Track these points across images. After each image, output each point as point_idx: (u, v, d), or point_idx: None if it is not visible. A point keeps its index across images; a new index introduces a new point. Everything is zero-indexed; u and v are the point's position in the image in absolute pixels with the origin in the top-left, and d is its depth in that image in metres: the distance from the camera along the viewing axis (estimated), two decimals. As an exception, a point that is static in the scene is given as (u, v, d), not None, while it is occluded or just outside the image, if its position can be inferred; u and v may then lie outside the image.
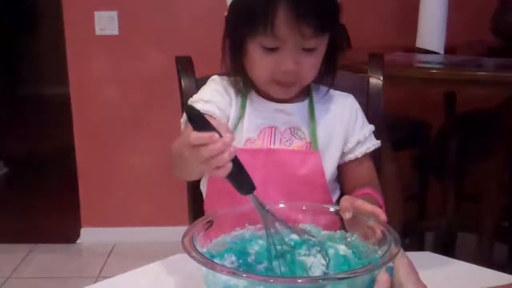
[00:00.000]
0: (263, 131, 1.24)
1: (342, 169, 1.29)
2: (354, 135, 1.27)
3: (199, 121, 0.88)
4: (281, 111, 1.24)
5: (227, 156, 0.87)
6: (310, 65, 1.18)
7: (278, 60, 1.15)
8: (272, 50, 1.15)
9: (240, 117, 1.23)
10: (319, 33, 1.13)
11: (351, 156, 1.28)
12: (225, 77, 1.28)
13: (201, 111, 0.91)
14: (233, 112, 1.25)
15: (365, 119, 1.31)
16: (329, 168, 1.25)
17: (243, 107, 1.24)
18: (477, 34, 2.71)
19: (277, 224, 0.91)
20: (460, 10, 2.67)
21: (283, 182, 1.20)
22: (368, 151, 1.29)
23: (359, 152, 1.28)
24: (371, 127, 1.31)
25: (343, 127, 1.27)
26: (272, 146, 1.23)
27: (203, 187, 1.32)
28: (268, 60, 1.16)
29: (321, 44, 1.17)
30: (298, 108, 1.26)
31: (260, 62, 1.17)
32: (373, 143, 1.30)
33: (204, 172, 1.04)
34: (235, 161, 0.88)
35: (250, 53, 1.17)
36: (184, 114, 1.23)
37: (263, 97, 1.25)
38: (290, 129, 1.25)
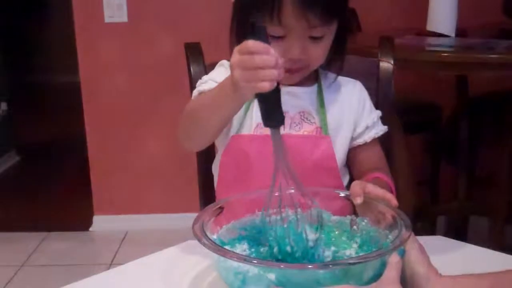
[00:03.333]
0: None
1: (351, 153, 1.29)
2: (362, 120, 1.27)
3: (261, 33, 0.88)
4: (290, 94, 1.23)
5: (276, 72, 0.87)
6: (318, 53, 1.18)
7: (285, 48, 1.14)
8: (279, 38, 1.14)
9: (249, 102, 1.22)
10: (326, 22, 1.13)
11: (360, 141, 1.28)
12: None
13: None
14: None
15: (372, 105, 1.31)
16: (339, 153, 1.25)
17: None
18: (489, 16, 2.68)
19: (287, 171, 0.90)
20: (471, -9, 2.65)
21: (295, 167, 1.19)
22: (377, 136, 1.29)
23: (368, 136, 1.28)
24: (378, 113, 1.31)
25: (352, 113, 1.27)
26: (282, 132, 1.22)
27: (215, 169, 1.31)
28: (276, 48, 1.15)
29: (328, 32, 1.17)
30: (307, 92, 1.26)
31: None
32: (382, 128, 1.30)
33: (243, 95, 0.98)
34: (277, 87, 0.88)
35: None
36: (196, 90, 1.23)
37: None
38: (300, 113, 1.24)
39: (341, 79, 1.30)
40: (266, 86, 0.87)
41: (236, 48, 0.92)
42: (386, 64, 1.42)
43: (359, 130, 1.27)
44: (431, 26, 2.34)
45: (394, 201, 0.93)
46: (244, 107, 1.23)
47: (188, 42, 1.47)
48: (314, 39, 1.15)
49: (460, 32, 2.32)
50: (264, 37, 0.88)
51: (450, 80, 2.64)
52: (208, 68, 1.40)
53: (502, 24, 2.52)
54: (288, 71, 1.18)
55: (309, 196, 0.93)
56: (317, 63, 1.21)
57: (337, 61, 1.25)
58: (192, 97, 1.25)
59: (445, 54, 2.04)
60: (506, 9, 2.46)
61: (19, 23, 6.77)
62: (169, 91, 3.05)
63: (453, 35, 2.29)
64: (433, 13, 2.33)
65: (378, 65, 1.42)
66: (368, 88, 1.32)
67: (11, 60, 4.98)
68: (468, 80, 2.58)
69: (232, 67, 0.94)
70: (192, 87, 1.41)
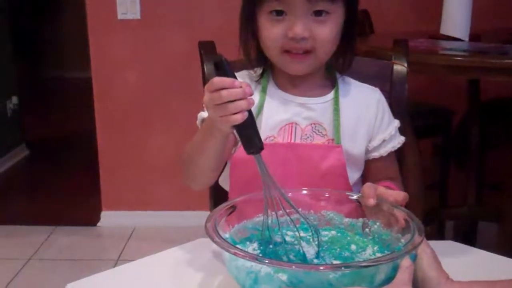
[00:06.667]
0: (284, 128, 1.21)
1: (365, 165, 1.26)
2: (380, 133, 1.24)
3: (224, 68, 0.93)
4: (303, 106, 1.21)
5: (245, 103, 0.91)
6: (323, 34, 1.14)
7: (287, 26, 1.13)
8: (281, 16, 1.13)
9: (258, 114, 1.20)
10: None
11: (375, 155, 1.25)
12: (244, 71, 1.27)
13: None
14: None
15: (391, 115, 1.28)
16: (355, 164, 1.23)
17: (261, 104, 1.21)
18: (502, 21, 2.67)
19: (277, 194, 0.92)
20: (486, -4, 2.64)
21: (304, 177, 1.17)
22: (393, 149, 1.26)
23: (384, 151, 1.25)
24: (397, 124, 1.27)
25: (368, 123, 1.24)
26: (293, 141, 1.21)
27: (224, 183, 1.29)
28: (278, 27, 1.14)
29: (333, 12, 1.14)
30: (322, 103, 1.22)
31: (270, 31, 1.15)
32: (398, 141, 1.27)
33: (222, 131, 1.02)
34: (250, 116, 0.92)
35: (261, 24, 1.16)
36: (200, 114, 1.23)
37: (284, 91, 1.23)
38: (311, 125, 1.22)
39: (360, 86, 1.28)
40: (238, 118, 0.91)
41: (206, 86, 0.96)
42: (400, 67, 1.41)
43: (375, 143, 1.24)
44: (444, 30, 2.33)
45: (401, 198, 0.96)
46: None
47: (202, 41, 1.48)
48: (318, 16, 1.13)
49: (474, 36, 2.31)
50: (228, 70, 0.93)
51: (462, 84, 2.63)
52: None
53: (515, 29, 2.51)
54: (294, 56, 1.16)
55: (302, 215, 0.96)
56: (324, 47, 1.16)
57: (346, 57, 1.23)
58: (197, 122, 1.25)
59: (458, 58, 2.03)
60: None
61: (32, 19, 6.80)
62: (180, 89, 3.05)
63: (466, 39, 2.28)
64: (447, 17, 2.32)
65: (391, 68, 1.42)
66: (381, 90, 1.31)
67: (23, 55, 5.02)
68: (480, 85, 2.57)
69: (205, 106, 0.99)
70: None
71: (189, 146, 1.16)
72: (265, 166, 0.92)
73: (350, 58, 1.23)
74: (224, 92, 0.91)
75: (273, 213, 0.92)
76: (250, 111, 0.92)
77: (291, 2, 1.11)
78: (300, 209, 0.95)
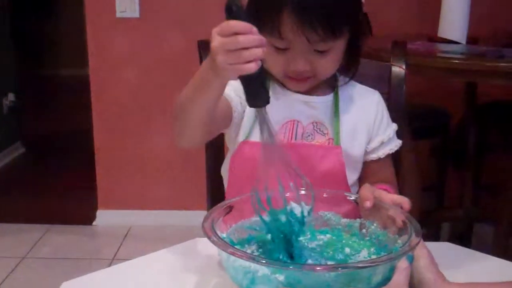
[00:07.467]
0: (285, 125, 1.22)
1: (363, 166, 1.27)
2: (378, 135, 1.25)
3: (239, 12, 0.86)
4: (306, 104, 1.22)
5: (260, 51, 0.85)
6: (325, 66, 1.16)
7: (289, 59, 1.14)
8: (283, 49, 1.13)
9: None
10: (328, 39, 1.10)
11: (373, 156, 1.26)
12: None
13: None
14: None
15: (389, 118, 1.28)
16: (353, 164, 1.23)
17: None
18: (499, 25, 2.68)
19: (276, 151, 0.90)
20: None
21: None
22: (391, 152, 1.27)
23: (382, 153, 1.26)
24: (395, 127, 1.28)
25: (367, 124, 1.24)
26: (293, 141, 1.21)
27: (224, 172, 1.31)
28: (280, 58, 1.15)
29: (335, 46, 1.14)
30: (323, 102, 1.23)
31: (272, 60, 1.15)
32: (396, 144, 1.28)
33: (226, 79, 0.97)
34: (261, 68, 0.86)
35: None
36: None
37: (287, 89, 1.23)
38: (313, 123, 1.22)
39: (360, 88, 1.28)
40: (252, 67, 0.85)
41: (216, 30, 0.88)
42: (398, 69, 1.42)
43: (373, 145, 1.25)
44: (442, 33, 2.33)
45: (406, 205, 0.93)
46: (253, 116, 1.21)
47: (201, 40, 1.47)
48: (320, 52, 1.13)
49: (471, 39, 2.32)
50: (244, 16, 0.85)
51: (460, 86, 2.63)
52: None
53: (513, 33, 2.52)
54: (295, 80, 1.18)
55: (300, 176, 0.92)
56: (325, 74, 1.19)
57: (350, 67, 1.23)
58: None
59: (456, 61, 2.04)
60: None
61: (31, 16, 6.79)
62: (178, 88, 2.99)
63: (464, 42, 2.29)
64: (444, 20, 2.33)
65: (390, 70, 1.42)
66: (379, 92, 1.31)
67: (21, 52, 5.01)
68: (477, 88, 2.57)
69: (214, 52, 0.89)
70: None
71: (182, 96, 1.11)
72: (269, 121, 0.88)
73: (355, 68, 1.24)
74: (241, 38, 0.84)
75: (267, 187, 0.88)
76: (261, 65, 0.86)
77: (293, 41, 1.11)
78: (297, 168, 0.92)
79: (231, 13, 0.85)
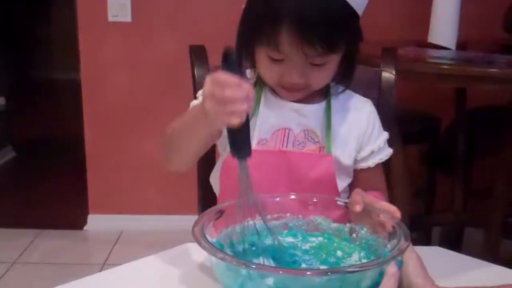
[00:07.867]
0: (276, 133, 1.21)
1: (352, 175, 1.27)
2: (369, 144, 1.25)
3: (233, 63, 0.87)
4: (296, 112, 1.22)
5: (246, 106, 0.87)
6: (320, 78, 1.16)
7: (284, 71, 1.14)
8: (279, 60, 1.13)
9: (252, 117, 1.19)
10: (325, 54, 1.10)
11: (363, 165, 1.26)
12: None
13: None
14: None
15: (380, 127, 1.28)
16: (343, 173, 1.24)
17: (257, 105, 1.21)
18: (489, 31, 2.70)
19: (252, 202, 0.91)
20: (473, 6, 2.66)
21: (294, 184, 1.17)
22: (381, 161, 1.27)
23: (372, 162, 1.26)
24: (386, 136, 1.28)
25: (358, 133, 1.24)
26: (284, 149, 1.21)
27: (214, 181, 1.30)
28: (275, 69, 1.14)
29: (332, 59, 1.14)
30: (315, 110, 1.23)
31: (267, 70, 1.16)
32: (386, 153, 1.28)
33: (214, 125, 0.99)
34: (246, 120, 0.88)
35: (258, 58, 1.16)
36: (192, 103, 1.22)
37: (279, 97, 1.23)
38: (304, 131, 1.22)
39: (352, 96, 1.28)
40: (235, 122, 0.87)
41: (209, 78, 0.92)
42: (388, 75, 1.43)
43: (363, 154, 1.25)
44: (432, 38, 2.35)
45: (398, 214, 0.93)
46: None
47: (193, 45, 1.47)
48: (316, 65, 1.13)
49: (461, 45, 2.33)
50: (237, 68, 0.88)
51: (449, 92, 2.65)
52: (212, 71, 1.40)
53: (502, 39, 2.53)
54: (288, 90, 1.18)
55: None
56: (319, 85, 1.19)
57: (345, 77, 1.23)
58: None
59: (445, 67, 2.05)
60: (506, 26, 2.47)
61: (23, 19, 6.78)
62: (169, 92, 3.05)
63: (453, 48, 2.31)
64: (434, 26, 2.35)
65: (380, 75, 1.43)
66: (369, 97, 1.31)
67: (12, 56, 4.99)
68: (467, 93, 2.59)
69: (204, 96, 0.93)
70: (196, 90, 1.41)
71: (175, 126, 1.12)
72: (248, 173, 0.90)
73: (348, 79, 1.23)
74: (228, 91, 0.87)
75: (249, 220, 0.92)
76: (247, 116, 0.89)
77: (289, 54, 1.10)
78: (268, 216, 0.96)
79: (225, 62, 0.87)
